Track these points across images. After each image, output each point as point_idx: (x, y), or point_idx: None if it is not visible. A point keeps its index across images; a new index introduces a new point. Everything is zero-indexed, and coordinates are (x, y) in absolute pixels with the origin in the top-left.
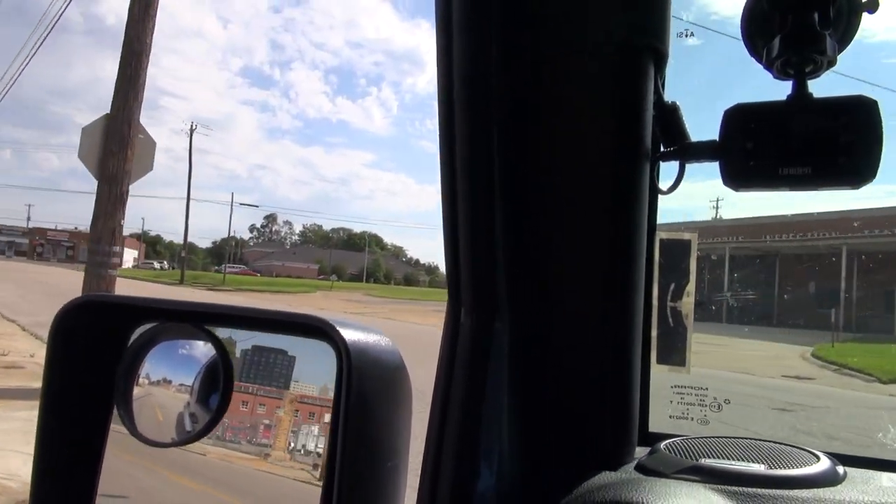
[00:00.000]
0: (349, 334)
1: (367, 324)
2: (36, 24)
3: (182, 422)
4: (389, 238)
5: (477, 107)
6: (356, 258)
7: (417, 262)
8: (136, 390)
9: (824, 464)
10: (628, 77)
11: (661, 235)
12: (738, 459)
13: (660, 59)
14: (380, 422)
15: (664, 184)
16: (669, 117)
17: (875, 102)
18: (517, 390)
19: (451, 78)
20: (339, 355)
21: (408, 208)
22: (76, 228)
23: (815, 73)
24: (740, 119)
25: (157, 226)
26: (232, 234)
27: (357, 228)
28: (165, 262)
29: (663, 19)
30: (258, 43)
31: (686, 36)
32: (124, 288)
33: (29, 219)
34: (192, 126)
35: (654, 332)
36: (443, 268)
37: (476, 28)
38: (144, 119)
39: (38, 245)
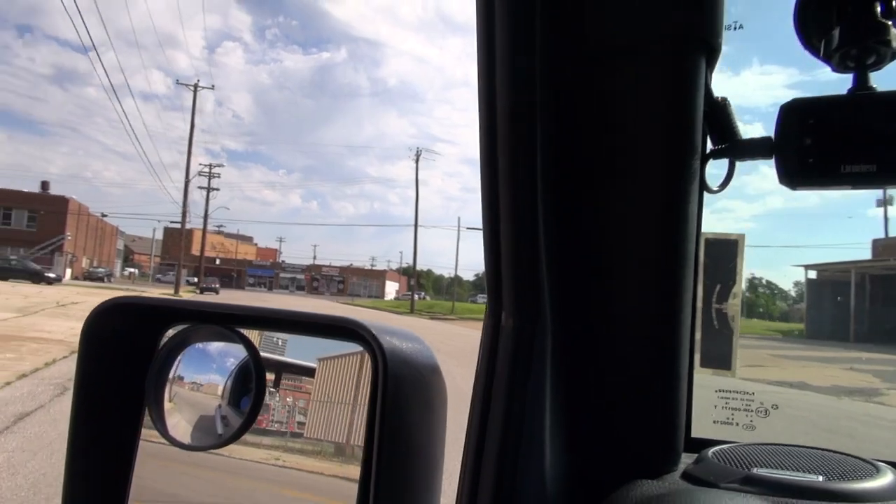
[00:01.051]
0: (385, 338)
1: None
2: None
3: (214, 425)
4: None
5: (520, 106)
6: None
7: None
8: (168, 392)
9: (886, 476)
10: (679, 75)
11: (706, 235)
12: (794, 469)
13: (711, 54)
14: (415, 424)
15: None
16: (720, 114)
17: None
18: (558, 395)
19: (493, 78)
20: (373, 358)
21: None
22: (351, 264)
23: (878, 65)
24: (798, 114)
25: (428, 260)
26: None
27: None
28: (424, 293)
29: (715, 12)
30: None
31: (735, 28)
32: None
33: (315, 257)
34: (417, 153)
35: (697, 335)
36: None
37: (520, 27)
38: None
39: (312, 280)
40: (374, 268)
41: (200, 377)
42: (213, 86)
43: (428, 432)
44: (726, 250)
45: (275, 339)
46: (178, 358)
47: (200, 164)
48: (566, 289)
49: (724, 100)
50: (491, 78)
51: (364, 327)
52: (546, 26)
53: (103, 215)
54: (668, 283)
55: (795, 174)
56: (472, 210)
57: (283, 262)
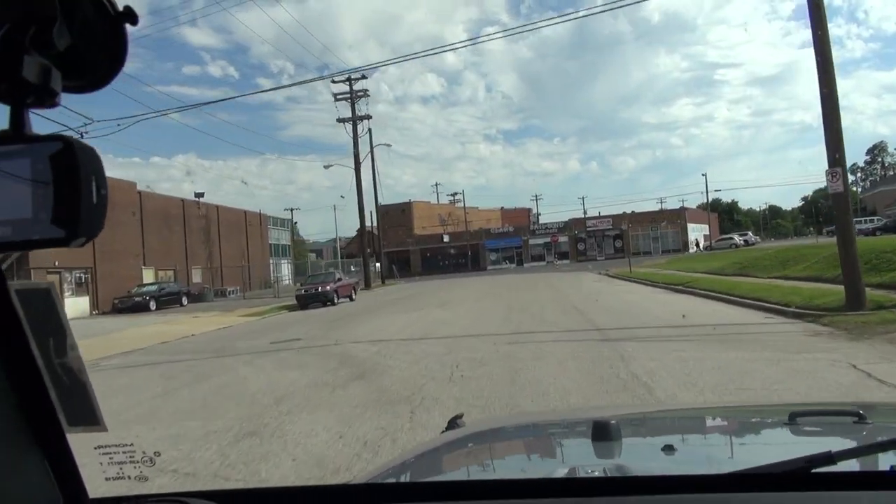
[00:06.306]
0: None
1: None
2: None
3: None
4: None
5: None
6: None
7: None
8: None
9: None
10: None
11: (14, 286)
12: None
13: None
14: None
15: None
16: None
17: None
18: None
19: None
20: None
21: None
22: (633, 211)
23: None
24: None
25: (730, 193)
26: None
27: None
28: (751, 234)
29: None
30: None
31: None
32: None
33: (585, 212)
34: None
35: (52, 394)
36: None
37: None
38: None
39: (578, 241)
40: (661, 209)
41: None
42: None
43: None
44: (41, 301)
45: None
46: None
47: (333, 82)
48: None
49: None
50: None
51: None
52: None
53: (198, 195)
54: None
55: None
56: (771, 133)
57: (533, 224)
